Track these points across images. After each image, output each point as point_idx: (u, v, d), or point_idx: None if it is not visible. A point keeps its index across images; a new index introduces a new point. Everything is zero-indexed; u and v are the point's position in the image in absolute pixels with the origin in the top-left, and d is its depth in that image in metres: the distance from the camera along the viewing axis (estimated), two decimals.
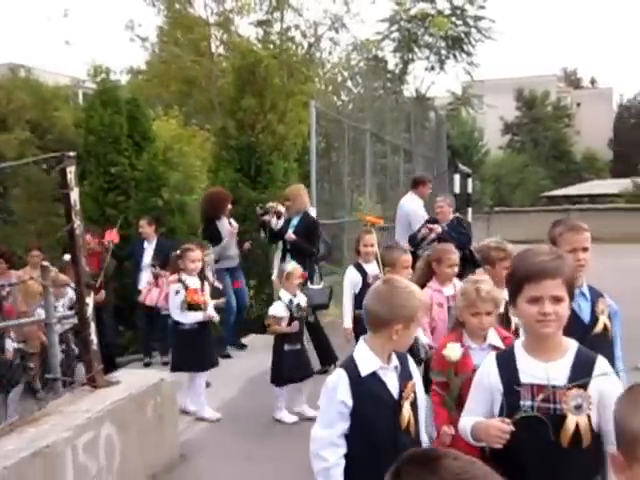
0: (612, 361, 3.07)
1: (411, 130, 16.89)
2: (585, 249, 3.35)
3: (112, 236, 7.95)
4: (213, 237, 8.20)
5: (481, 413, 2.51)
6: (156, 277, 8.07)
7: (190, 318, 6.01)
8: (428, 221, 8.06)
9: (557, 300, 2.39)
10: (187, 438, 5.50)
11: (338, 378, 2.67)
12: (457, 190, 14.12)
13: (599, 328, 3.19)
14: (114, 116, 11.19)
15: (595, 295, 3.31)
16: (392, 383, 2.69)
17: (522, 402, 2.36)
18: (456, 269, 4.85)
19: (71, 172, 4.19)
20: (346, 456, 2.65)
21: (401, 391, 2.68)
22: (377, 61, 18.05)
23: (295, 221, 7.77)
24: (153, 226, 8.73)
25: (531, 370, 2.40)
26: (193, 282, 6.09)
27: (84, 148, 10.65)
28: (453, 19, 18.26)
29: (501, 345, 3.33)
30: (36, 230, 11.32)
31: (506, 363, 2.47)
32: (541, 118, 51.49)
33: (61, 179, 4.20)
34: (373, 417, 2.63)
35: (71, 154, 4.19)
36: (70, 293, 7.02)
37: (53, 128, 13.48)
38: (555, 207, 27.58)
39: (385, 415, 2.64)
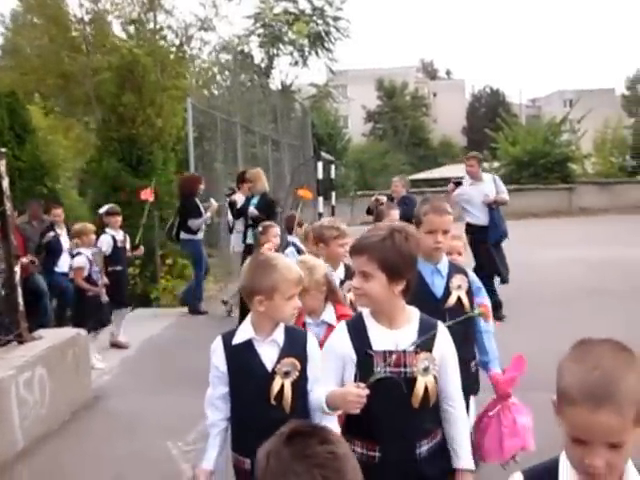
0: (473, 333, 3.40)
1: (277, 121, 18.18)
2: (445, 231, 3.38)
3: (147, 195, 8.70)
4: (193, 212, 9.29)
5: (333, 382, 2.57)
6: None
7: None
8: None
9: (364, 276, 2.50)
10: (98, 385, 6.57)
11: (216, 344, 2.82)
12: (320, 176, 15.49)
13: (451, 302, 3.26)
14: None
15: (453, 271, 3.37)
16: (268, 355, 2.73)
17: (376, 368, 2.44)
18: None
19: (2, 165, 5.16)
20: (230, 421, 2.81)
21: (276, 364, 2.72)
22: (244, 56, 19.18)
23: (255, 200, 8.81)
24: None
25: (381, 337, 2.49)
26: None
27: None
28: (314, 18, 19.73)
29: (334, 322, 3.40)
30: None
31: (357, 332, 2.54)
32: (400, 107, 54.35)
33: None
34: (244, 385, 2.72)
35: (2, 150, 5.16)
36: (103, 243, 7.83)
37: None
38: (414, 190, 29.61)
39: (256, 385, 2.70)
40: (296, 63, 20.53)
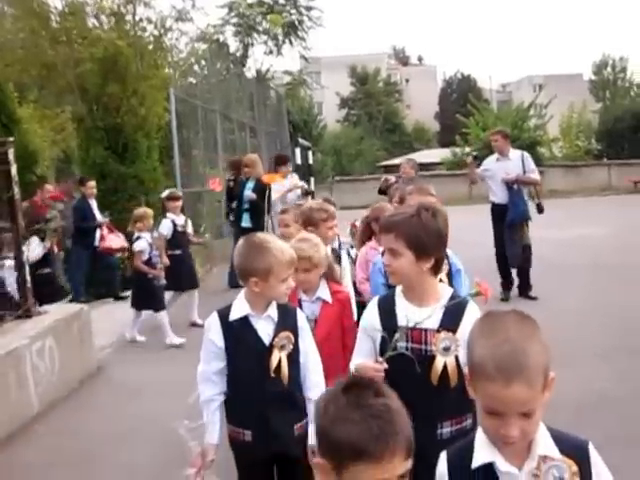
0: None
1: (254, 109, 18.63)
2: None
3: (215, 185, 8.90)
4: (241, 193, 9.54)
5: (366, 354, 2.61)
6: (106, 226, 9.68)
7: None
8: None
9: (393, 253, 2.53)
10: (99, 358, 7.06)
11: (212, 320, 2.91)
12: (299, 162, 16.01)
13: None
14: None
15: None
16: (264, 330, 2.83)
17: (398, 344, 2.47)
18: None
19: (11, 153, 5.63)
20: (226, 395, 2.90)
21: (273, 338, 2.83)
22: (219, 45, 19.56)
23: (250, 184, 9.05)
24: None
25: (407, 314, 2.50)
26: None
27: None
28: (287, 8, 20.19)
29: (329, 299, 3.49)
30: None
31: (386, 307, 2.58)
32: (374, 93, 54.91)
33: (3, 158, 5.63)
34: (242, 359, 2.81)
35: (11, 139, 5.62)
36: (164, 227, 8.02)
37: None
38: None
39: (254, 359, 2.80)
40: (270, 52, 20.98)
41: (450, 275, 3.47)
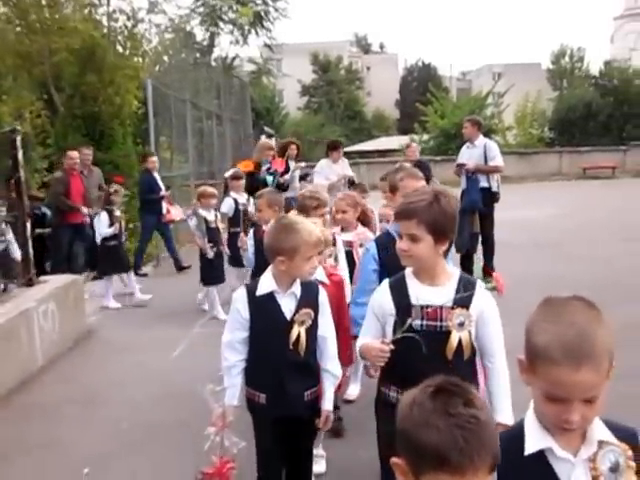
0: None
1: (220, 97, 19.36)
2: None
3: (278, 164, 9.32)
4: (285, 170, 9.93)
5: (374, 335, 2.71)
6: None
7: None
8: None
9: (412, 238, 2.62)
10: (90, 321, 7.92)
11: (239, 293, 3.13)
12: None
13: None
14: None
15: None
16: (287, 306, 3.02)
17: (414, 321, 2.57)
18: (345, 215, 4.99)
19: (18, 140, 6.43)
20: (247, 361, 3.12)
21: (294, 314, 3.01)
22: (186, 35, 20.21)
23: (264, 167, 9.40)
24: None
25: (420, 293, 2.62)
26: None
27: None
28: None
29: (326, 280, 3.69)
30: None
31: (398, 288, 2.68)
32: (335, 81, 55.66)
33: (12, 144, 6.43)
34: (265, 331, 3.02)
35: (18, 128, 6.42)
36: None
37: None
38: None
39: (276, 332, 3.00)
40: (237, 42, 21.70)
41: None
